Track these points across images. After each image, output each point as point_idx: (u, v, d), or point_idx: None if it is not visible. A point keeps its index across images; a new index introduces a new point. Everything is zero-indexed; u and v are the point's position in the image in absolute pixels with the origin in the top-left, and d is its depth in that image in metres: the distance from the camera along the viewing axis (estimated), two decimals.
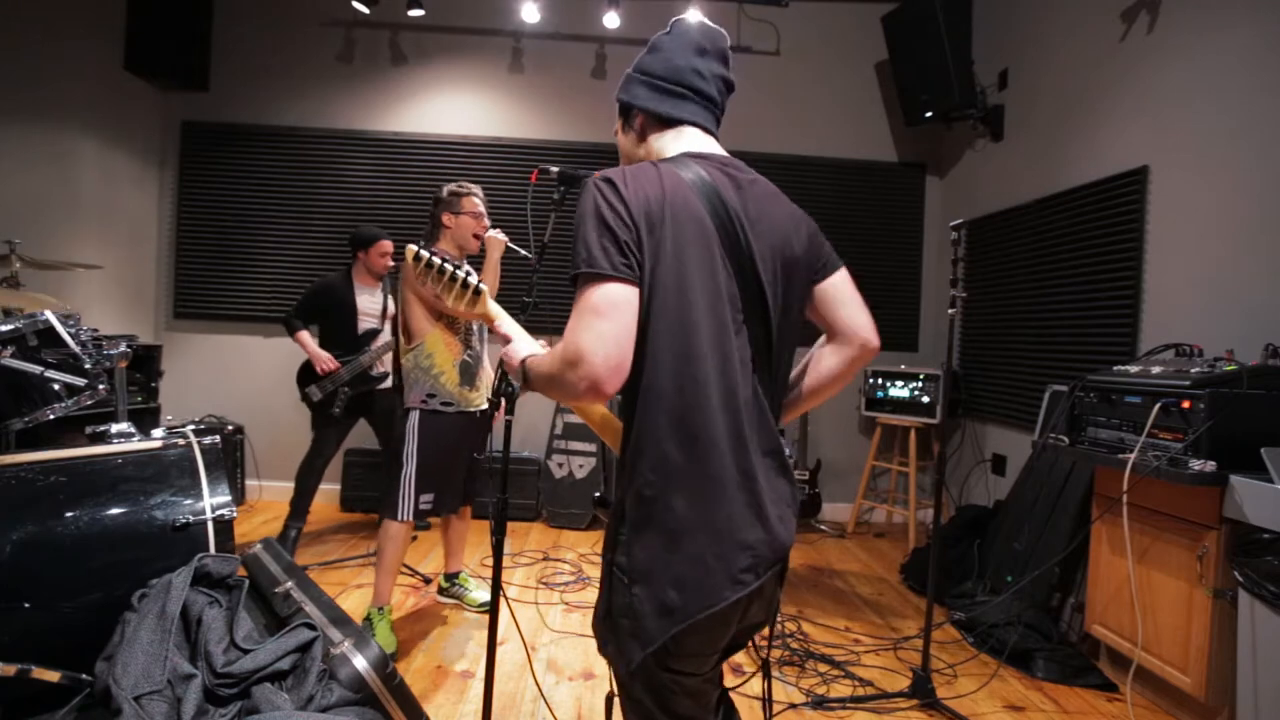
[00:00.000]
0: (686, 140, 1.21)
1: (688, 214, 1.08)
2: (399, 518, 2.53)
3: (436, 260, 1.38)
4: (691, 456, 1.04)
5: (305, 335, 3.57)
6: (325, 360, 3.49)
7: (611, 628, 1.11)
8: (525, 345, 1.26)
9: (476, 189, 2.72)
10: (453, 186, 2.70)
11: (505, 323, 1.35)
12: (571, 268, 1.05)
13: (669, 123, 1.22)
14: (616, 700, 1.20)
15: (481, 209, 2.70)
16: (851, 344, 1.24)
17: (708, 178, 1.13)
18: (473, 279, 1.39)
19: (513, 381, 1.47)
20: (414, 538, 3.87)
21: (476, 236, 2.67)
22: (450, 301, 1.39)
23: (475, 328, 2.75)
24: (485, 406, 2.78)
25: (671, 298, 1.05)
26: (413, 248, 1.38)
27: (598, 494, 1.37)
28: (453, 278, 1.37)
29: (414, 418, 2.58)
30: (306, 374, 3.58)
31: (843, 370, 1.25)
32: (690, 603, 1.02)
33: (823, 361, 1.26)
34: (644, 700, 1.11)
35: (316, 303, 3.65)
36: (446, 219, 2.67)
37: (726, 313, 1.09)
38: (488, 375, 2.81)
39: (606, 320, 1.00)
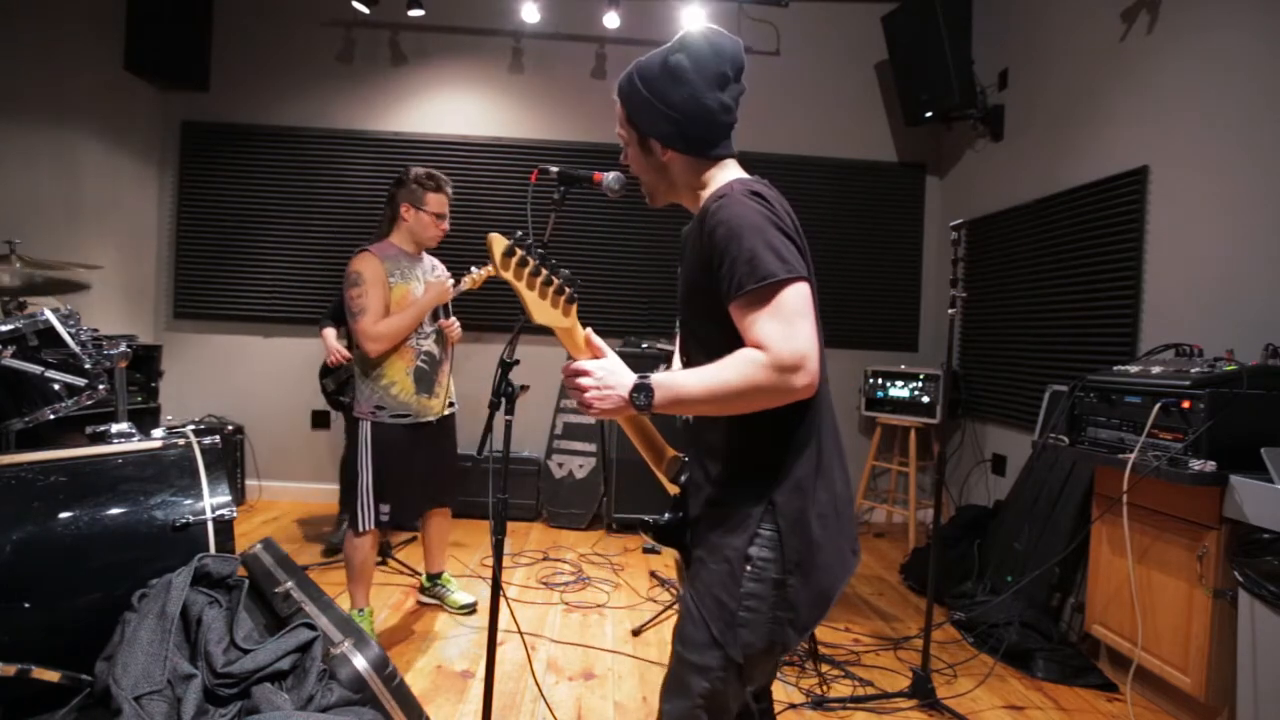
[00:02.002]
0: (727, 171, 1.24)
1: (802, 234, 1.16)
2: (360, 528, 2.47)
3: (531, 260, 1.11)
4: (824, 451, 1.16)
5: (327, 332, 3.60)
6: (333, 349, 3.50)
7: (733, 621, 1.13)
8: (625, 370, 1.15)
9: (447, 184, 2.51)
10: (421, 174, 2.45)
11: (598, 342, 1.20)
12: (756, 276, 1.04)
13: (705, 159, 1.23)
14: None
15: (445, 210, 2.51)
16: None
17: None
18: (568, 286, 1.15)
19: (573, 406, 1.44)
20: (414, 538, 3.87)
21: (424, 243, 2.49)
22: (537, 312, 1.14)
23: (429, 329, 2.55)
24: (447, 413, 2.67)
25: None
26: (501, 238, 1.11)
27: (648, 519, 1.32)
28: (547, 281, 1.14)
29: (364, 429, 2.47)
30: (325, 369, 3.64)
31: None
32: (835, 582, 1.16)
33: None
34: (728, 690, 1.16)
35: (339, 305, 3.66)
36: (405, 210, 2.45)
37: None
38: (448, 378, 2.68)
39: (811, 321, 1.07)
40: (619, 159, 1.34)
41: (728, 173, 1.23)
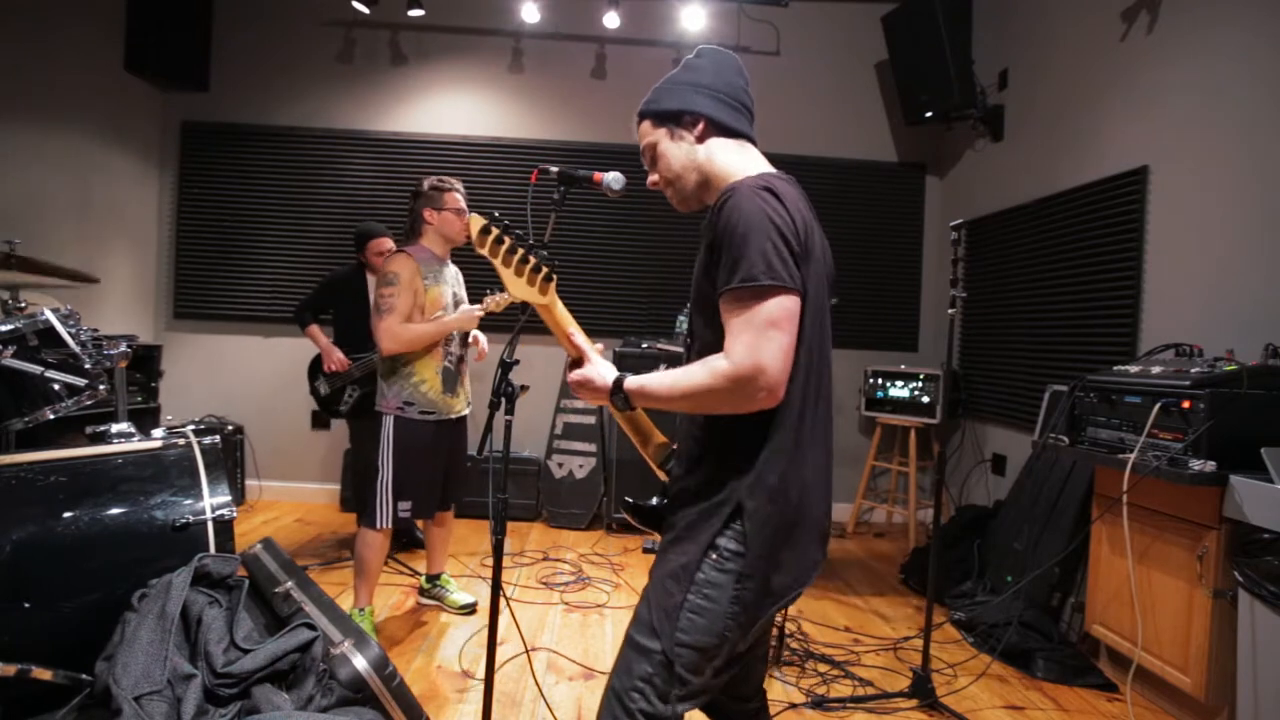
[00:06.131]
0: (755, 157, 1.26)
1: (818, 234, 1.18)
2: (377, 525, 2.50)
3: (508, 239, 1.23)
4: (806, 457, 1.15)
5: (316, 330, 3.56)
6: (336, 359, 3.45)
7: (675, 610, 1.14)
8: (608, 367, 1.26)
9: (458, 184, 2.66)
10: (434, 181, 2.62)
11: (575, 328, 1.30)
12: (739, 276, 1.06)
13: (731, 134, 1.26)
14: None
15: (463, 204, 2.64)
16: None
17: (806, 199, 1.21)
18: (544, 265, 1.26)
19: (545, 395, 1.44)
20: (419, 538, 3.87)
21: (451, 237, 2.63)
22: (513, 287, 1.26)
23: (456, 336, 2.65)
24: (465, 412, 2.73)
25: (810, 316, 1.13)
26: (478, 217, 1.25)
27: (629, 499, 1.37)
28: (524, 259, 1.25)
29: (388, 424, 2.51)
30: (316, 367, 3.57)
31: None
32: (789, 583, 1.15)
33: None
34: (669, 677, 1.14)
35: (328, 296, 3.64)
36: (429, 215, 2.59)
37: (829, 330, 1.21)
38: (467, 380, 2.75)
39: (785, 333, 1.06)
40: (646, 173, 1.33)
41: (749, 158, 1.25)
